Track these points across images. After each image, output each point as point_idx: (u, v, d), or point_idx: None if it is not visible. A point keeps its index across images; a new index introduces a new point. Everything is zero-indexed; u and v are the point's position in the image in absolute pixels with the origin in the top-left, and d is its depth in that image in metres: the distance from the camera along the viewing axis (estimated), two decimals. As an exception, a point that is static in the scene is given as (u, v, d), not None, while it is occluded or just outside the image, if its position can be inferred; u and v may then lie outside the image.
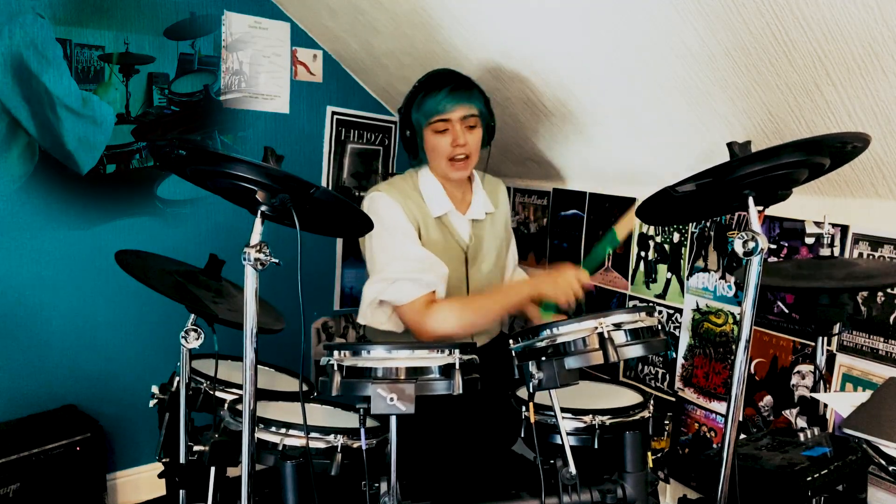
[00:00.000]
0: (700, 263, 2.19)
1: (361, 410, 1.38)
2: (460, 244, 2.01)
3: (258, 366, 1.31)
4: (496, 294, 1.91)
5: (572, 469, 1.40)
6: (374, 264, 1.88)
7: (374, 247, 1.87)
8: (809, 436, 1.50)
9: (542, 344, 1.41)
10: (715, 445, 2.19)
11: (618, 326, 1.38)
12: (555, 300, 1.84)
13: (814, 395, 1.64)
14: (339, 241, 3.03)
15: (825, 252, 1.59)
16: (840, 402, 1.44)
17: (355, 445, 1.46)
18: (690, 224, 2.22)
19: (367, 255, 1.93)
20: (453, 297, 1.93)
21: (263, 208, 1.29)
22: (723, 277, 2.13)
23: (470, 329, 1.86)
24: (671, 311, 2.30)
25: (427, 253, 1.88)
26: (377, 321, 1.93)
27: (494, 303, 1.88)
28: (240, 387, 1.77)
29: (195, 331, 1.66)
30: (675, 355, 2.30)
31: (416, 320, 1.84)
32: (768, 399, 2.02)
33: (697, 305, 2.21)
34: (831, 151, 1.23)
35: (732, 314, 2.11)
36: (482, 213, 2.07)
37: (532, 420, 1.46)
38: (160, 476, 1.76)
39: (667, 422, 2.34)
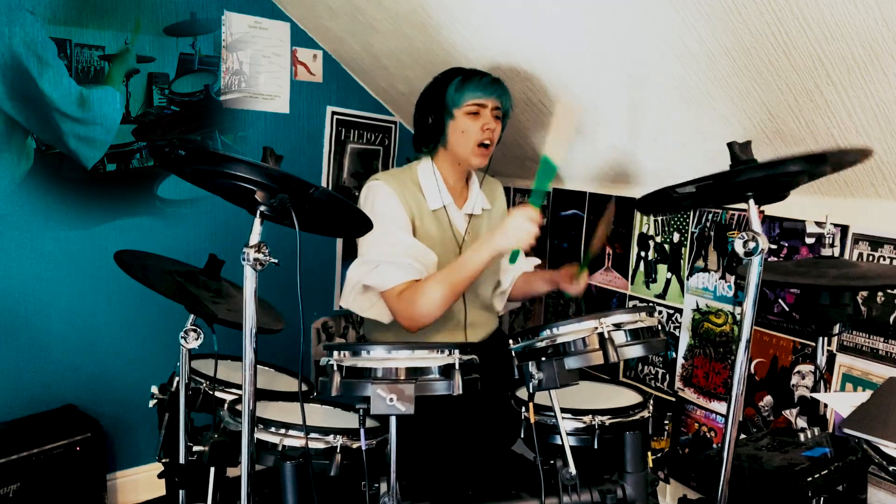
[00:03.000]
0: (700, 263, 2.19)
1: (361, 411, 1.38)
2: (456, 237, 2.02)
3: (258, 366, 1.31)
4: (460, 266, 1.83)
5: (572, 469, 1.40)
6: (361, 248, 1.89)
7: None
8: (809, 436, 1.49)
9: (542, 344, 1.41)
10: (715, 445, 2.19)
11: (618, 326, 1.38)
12: (516, 247, 1.80)
13: (814, 395, 1.64)
14: (339, 241, 3.03)
15: (826, 252, 1.59)
16: (840, 402, 1.44)
17: (355, 446, 1.46)
18: (690, 224, 2.22)
19: (358, 242, 1.93)
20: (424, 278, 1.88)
21: (263, 208, 1.29)
22: (723, 277, 2.13)
23: (449, 304, 1.84)
24: (671, 311, 2.30)
25: (416, 242, 1.88)
26: (359, 307, 1.92)
27: (461, 274, 1.82)
28: (239, 387, 1.77)
29: (195, 331, 1.66)
30: (675, 355, 2.30)
31: (399, 306, 1.83)
32: (768, 399, 2.02)
33: (697, 305, 2.21)
34: (833, 163, 1.23)
35: (732, 314, 2.11)
36: (479, 208, 2.08)
37: (532, 420, 1.45)
38: (160, 476, 1.75)
39: (667, 422, 2.34)
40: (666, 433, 2.35)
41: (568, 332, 1.39)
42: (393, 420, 1.32)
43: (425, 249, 1.89)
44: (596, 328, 1.37)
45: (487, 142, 1.95)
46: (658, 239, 2.33)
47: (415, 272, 1.84)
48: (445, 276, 1.84)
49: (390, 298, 1.86)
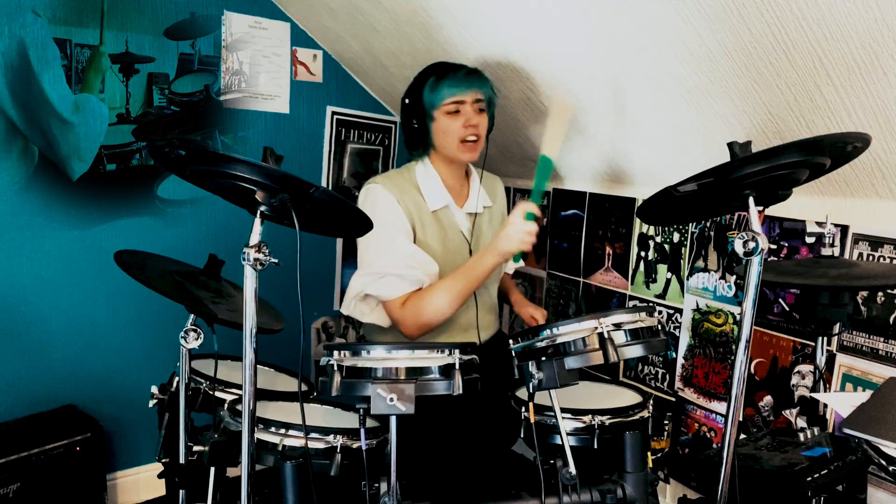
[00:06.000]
0: (700, 263, 2.19)
1: (361, 410, 1.38)
2: (464, 235, 2.02)
3: (258, 366, 1.31)
4: (465, 273, 1.85)
5: (572, 469, 1.40)
6: (364, 257, 1.89)
7: (365, 239, 1.86)
8: (809, 436, 1.50)
9: (542, 344, 1.41)
10: (715, 445, 2.19)
11: (618, 326, 1.38)
12: (518, 250, 1.80)
13: (814, 395, 1.64)
14: (339, 241, 3.03)
15: (826, 252, 1.59)
16: (840, 402, 1.44)
17: (355, 446, 1.46)
18: (690, 224, 2.22)
19: (359, 247, 1.93)
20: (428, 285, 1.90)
21: (263, 208, 1.29)
22: (723, 277, 2.13)
23: (454, 311, 1.85)
24: (671, 311, 2.30)
25: (417, 250, 1.88)
26: (359, 312, 1.93)
27: (467, 281, 1.84)
28: (239, 387, 1.77)
29: (195, 331, 1.66)
30: (675, 355, 2.30)
31: (401, 316, 1.85)
32: (768, 399, 2.02)
33: (697, 305, 2.21)
34: (832, 151, 1.23)
35: (732, 314, 2.11)
36: (480, 206, 2.08)
37: (532, 420, 1.45)
38: (160, 476, 1.75)
39: (667, 422, 2.34)
40: (666, 433, 2.35)
41: (568, 332, 1.39)
42: (393, 420, 1.32)
43: (426, 258, 1.89)
44: (596, 328, 1.37)
45: (472, 137, 1.93)
46: (658, 239, 2.33)
47: (416, 283, 1.85)
48: (450, 283, 1.85)
49: (393, 309, 1.86)
